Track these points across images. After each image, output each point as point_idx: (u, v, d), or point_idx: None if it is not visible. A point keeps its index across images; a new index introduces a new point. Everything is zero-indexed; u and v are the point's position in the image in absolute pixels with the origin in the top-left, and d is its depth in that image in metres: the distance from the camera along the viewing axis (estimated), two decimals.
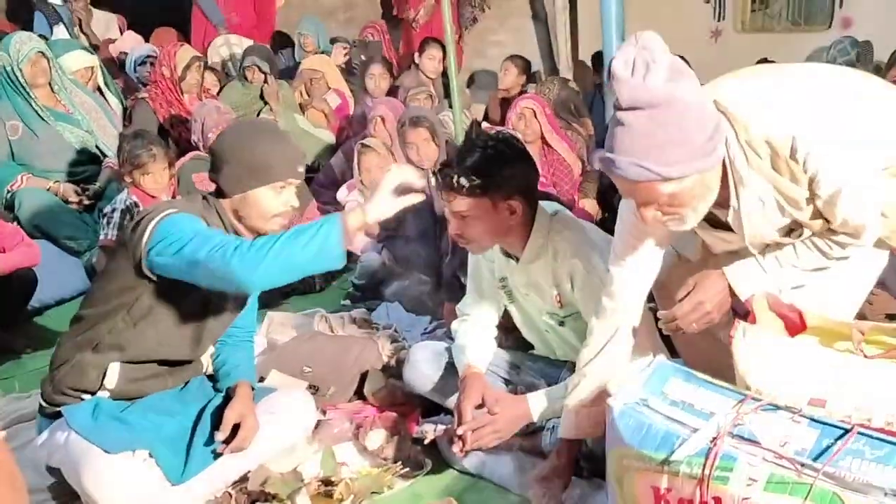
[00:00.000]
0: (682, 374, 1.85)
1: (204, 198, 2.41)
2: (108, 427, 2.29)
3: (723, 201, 1.92)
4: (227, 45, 6.64)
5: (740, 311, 2.09)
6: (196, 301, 2.36)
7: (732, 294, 2.05)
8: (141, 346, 2.38)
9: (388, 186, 2.11)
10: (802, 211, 1.94)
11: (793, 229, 2.02)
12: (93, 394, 2.36)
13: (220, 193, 2.39)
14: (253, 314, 2.73)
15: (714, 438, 1.65)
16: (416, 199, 2.13)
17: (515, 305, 2.64)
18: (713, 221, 2.02)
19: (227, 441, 2.36)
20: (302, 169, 2.40)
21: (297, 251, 2.08)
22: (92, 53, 5.31)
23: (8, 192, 4.39)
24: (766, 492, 1.57)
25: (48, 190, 4.43)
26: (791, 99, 1.92)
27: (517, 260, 2.49)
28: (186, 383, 2.59)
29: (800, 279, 2.04)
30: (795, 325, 2.10)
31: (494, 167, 2.30)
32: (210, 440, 2.39)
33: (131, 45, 6.24)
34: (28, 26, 6.33)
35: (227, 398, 2.48)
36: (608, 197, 4.54)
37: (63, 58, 4.90)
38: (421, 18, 7.13)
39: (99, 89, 5.15)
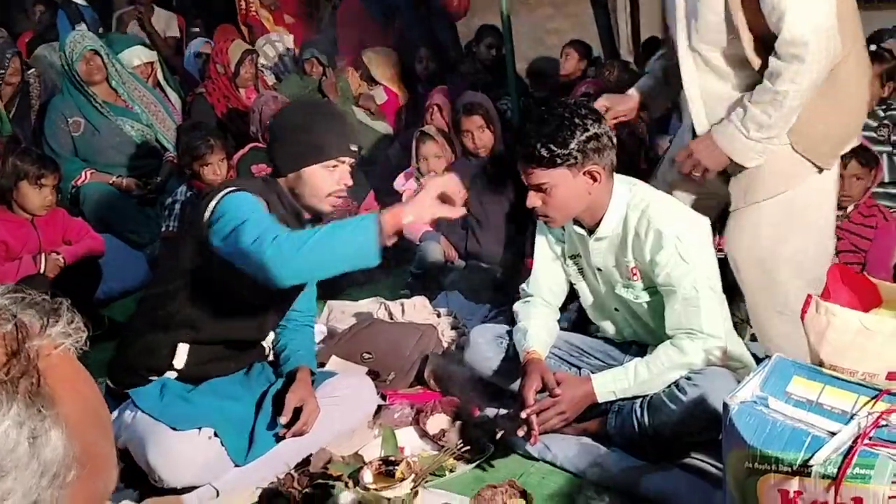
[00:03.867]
0: (805, 372, 1.74)
1: (264, 180, 2.44)
2: (174, 405, 2.32)
3: None
4: (271, 44, 6.64)
5: None
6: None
7: None
8: (210, 324, 2.40)
9: (431, 192, 2.12)
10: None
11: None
12: (160, 374, 2.39)
13: (277, 172, 2.41)
14: (312, 298, 2.73)
15: (856, 439, 1.55)
16: (455, 212, 2.15)
17: (585, 283, 2.59)
18: None
19: (288, 425, 2.37)
20: (355, 148, 2.41)
21: (332, 248, 2.08)
22: (152, 49, 5.39)
23: (73, 187, 4.48)
24: None
25: (111, 184, 4.51)
26: None
27: (591, 232, 2.44)
28: (250, 368, 2.61)
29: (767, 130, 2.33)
30: (870, 299, 2.03)
31: (575, 134, 2.25)
32: (272, 424, 2.41)
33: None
34: (53, 26, 6.44)
35: (288, 383, 2.48)
36: None
37: (123, 54, 4.98)
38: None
39: (159, 85, 5.22)
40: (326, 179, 2.36)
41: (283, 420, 2.37)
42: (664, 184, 2.67)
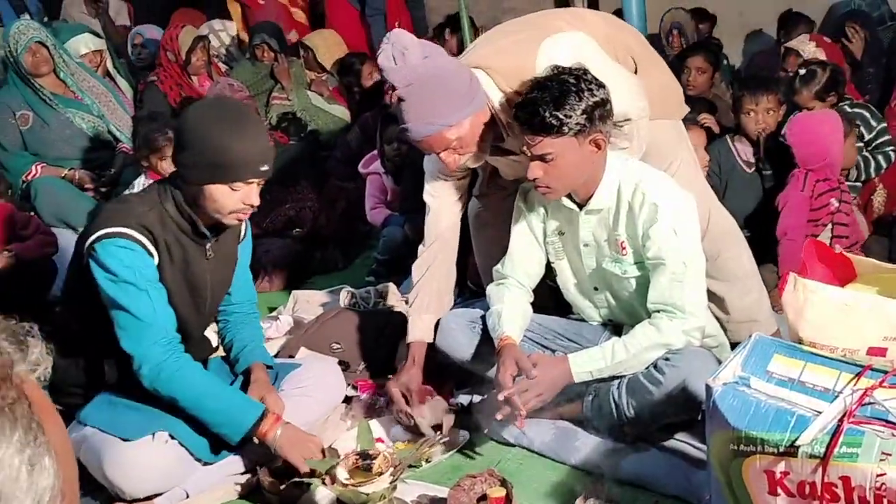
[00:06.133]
0: (785, 350, 1.72)
1: (159, 190, 2.30)
2: (122, 416, 2.25)
3: (498, 136, 2.44)
4: (214, 33, 6.45)
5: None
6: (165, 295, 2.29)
7: None
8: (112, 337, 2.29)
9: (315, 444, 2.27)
10: None
11: None
12: (97, 391, 2.31)
13: (179, 177, 2.27)
14: (249, 287, 2.64)
15: (842, 417, 1.53)
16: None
17: (567, 261, 2.54)
18: (502, 151, 2.52)
19: None
20: (266, 168, 2.22)
21: (201, 411, 2.23)
22: (100, 37, 5.23)
23: (23, 182, 4.34)
24: None
25: (63, 178, 4.37)
26: (526, 42, 2.40)
27: (581, 206, 2.40)
28: (205, 366, 2.53)
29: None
30: (845, 274, 2.03)
31: (582, 100, 2.18)
32: None
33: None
34: None
35: (246, 383, 2.43)
36: None
37: (70, 42, 4.82)
38: None
39: (108, 74, 5.07)
40: (230, 198, 2.21)
41: None
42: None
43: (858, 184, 3.83)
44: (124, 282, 2.17)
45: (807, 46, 4.54)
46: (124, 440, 2.19)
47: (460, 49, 5.79)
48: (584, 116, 2.18)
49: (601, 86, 2.23)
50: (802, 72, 3.87)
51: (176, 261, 2.29)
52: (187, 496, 2.28)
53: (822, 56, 4.39)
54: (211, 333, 2.68)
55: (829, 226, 3.41)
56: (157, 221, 2.25)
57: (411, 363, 2.60)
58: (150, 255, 2.22)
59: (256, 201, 2.24)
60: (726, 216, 2.82)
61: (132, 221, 2.20)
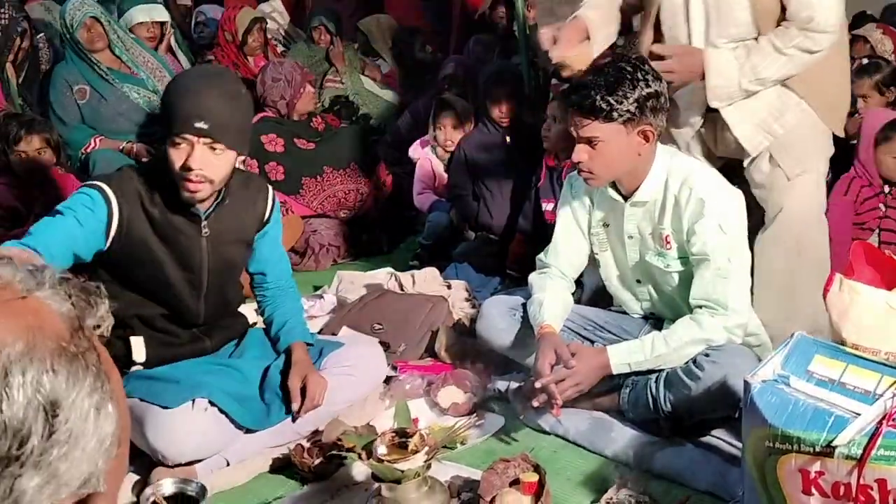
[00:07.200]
0: (827, 350, 1.72)
1: (153, 161, 2.36)
2: (159, 386, 2.29)
3: None
4: (271, 15, 6.48)
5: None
6: (155, 266, 2.30)
7: None
8: (150, 312, 2.34)
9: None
10: None
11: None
12: (127, 369, 2.34)
13: None
14: (281, 263, 2.63)
15: (881, 420, 1.52)
16: None
17: (610, 253, 2.54)
18: None
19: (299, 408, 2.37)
20: (201, 125, 2.09)
21: None
22: (167, 10, 5.29)
23: (82, 154, 4.44)
24: None
25: (121, 151, 4.46)
26: None
27: (626, 198, 2.40)
28: (241, 339, 2.58)
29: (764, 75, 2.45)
30: (893, 278, 2.00)
31: (635, 89, 2.20)
32: (282, 396, 2.39)
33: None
34: None
35: (288, 361, 2.45)
36: None
37: (133, 10, 4.87)
38: None
39: (171, 50, 5.15)
40: (173, 157, 2.14)
41: (295, 407, 2.36)
42: None
43: None
44: (56, 211, 2.18)
45: (874, 33, 4.61)
46: (164, 408, 2.24)
47: (509, 23, 5.80)
48: (635, 105, 2.19)
49: (658, 78, 2.23)
50: (866, 61, 3.87)
51: (162, 233, 2.27)
52: (228, 464, 2.33)
53: (888, 44, 4.42)
54: (249, 311, 2.71)
55: (877, 231, 3.37)
56: (146, 193, 2.24)
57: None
58: (109, 212, 2.19)
59: (193, 164, 2.12)
60: (824, 245, 2.67)
61: (114, 182, 2.23)
